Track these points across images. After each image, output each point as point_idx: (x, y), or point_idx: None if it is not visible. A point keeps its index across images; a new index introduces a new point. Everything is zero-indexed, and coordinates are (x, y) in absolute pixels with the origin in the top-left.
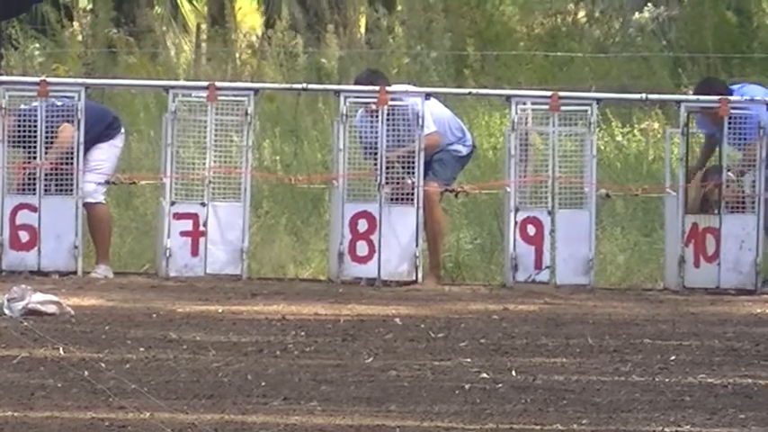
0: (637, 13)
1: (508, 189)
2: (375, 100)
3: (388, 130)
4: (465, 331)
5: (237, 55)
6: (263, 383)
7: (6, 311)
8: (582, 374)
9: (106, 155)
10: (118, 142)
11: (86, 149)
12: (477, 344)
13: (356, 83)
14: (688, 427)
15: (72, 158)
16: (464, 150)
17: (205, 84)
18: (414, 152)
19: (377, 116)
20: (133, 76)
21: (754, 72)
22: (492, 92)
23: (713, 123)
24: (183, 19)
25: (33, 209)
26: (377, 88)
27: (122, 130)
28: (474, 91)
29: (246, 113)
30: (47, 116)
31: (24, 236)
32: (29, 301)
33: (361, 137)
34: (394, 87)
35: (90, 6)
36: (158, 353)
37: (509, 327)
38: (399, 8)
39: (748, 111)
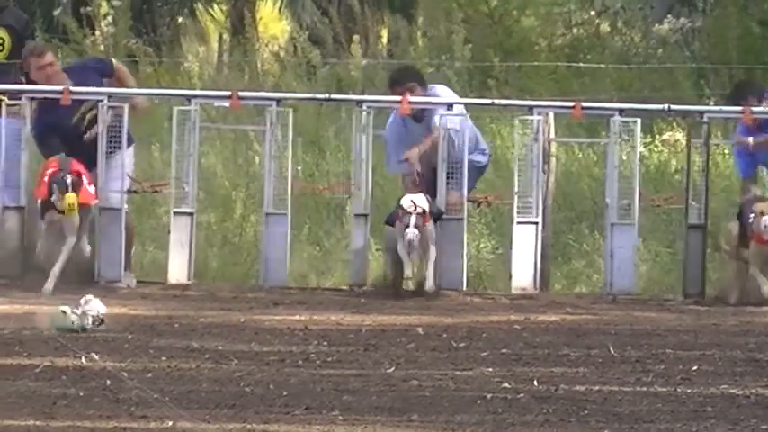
0: (657, 25)
1: (530, 200)
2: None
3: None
4: (486, 341)
5: (259, 65)
6: (284, 393)
7: (75, 323)
8: (603, 385)
9: (130, 159)
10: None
11: (110, 152)
12: (498, 354)
13: (391, 79)
14: None
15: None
16: (483, 160)
17: (228, 93)
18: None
19: (410, 119)
20: (154, 85)
21: None
22: (514, 102)
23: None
24: (203, 29)
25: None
26: (399, 98)
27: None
28: (497, 101)
29: (271, 123)
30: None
31: None
32: (97, 310)
33: (390, 144)
34: (419, 97)
35: (111, 16)
36: (180, 362)
37: (530, 336)
38: (420, 19)
39: None
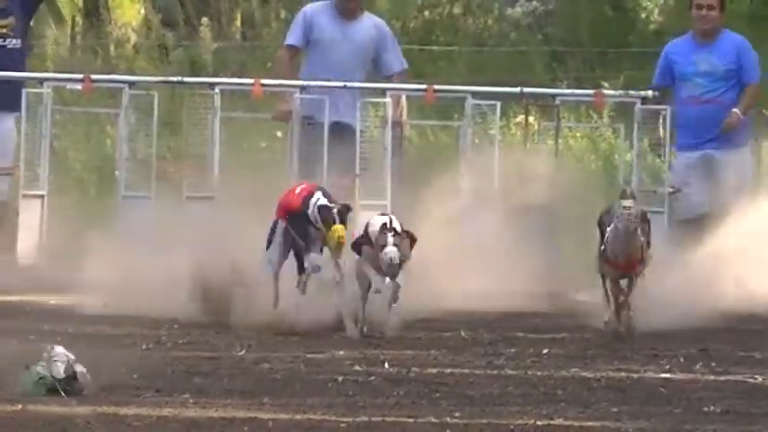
0: (510, 8)
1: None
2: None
3: None
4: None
5: (112, 48)
6: (135, 376)
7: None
8: (455, 367)
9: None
10: None
11: None
12: (349, 336)
13: None
14: (560, 420)
15: None
16: None
17: (80, 76)
18: None
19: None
20: None
21: (630, 66)
22: (366, 85)
23: None
24: (59, 11)
25: None
26: (251, 81)
27: None
28: (349, 84)
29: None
30: None
31: None
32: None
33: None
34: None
35: None
36: (30, 345)
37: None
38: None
39: None
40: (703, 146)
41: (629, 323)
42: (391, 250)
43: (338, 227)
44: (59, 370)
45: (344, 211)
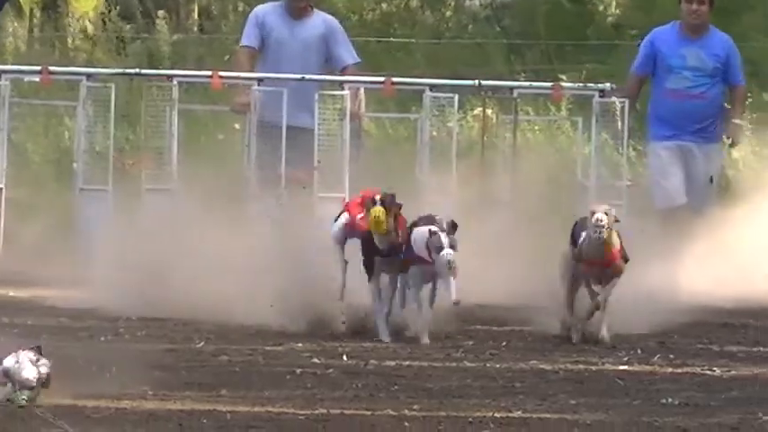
0: (467, 1)
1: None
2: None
3: None
4: None
5: (70, 40)
6: (94, 368)
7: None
8: (414, 360)
9: None
10: None
11: None
12: (308, 329)
13: None
14: (519, 412)
15: None
16: None
17: (38, 68)
18: None
19: None
20: None
21: (588, 60)
22: (325, 77)
23: None
24: (17, 3)
25: None
26: (209, 73)
27: None
28: (308, 76)
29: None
30: None
31: None
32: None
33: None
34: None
35: None
36: None
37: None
38: None
39: None
40: (681, 138)
41: (601, 322)
42: (449, 252)
43: (377, 209)
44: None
45: (390, 198)
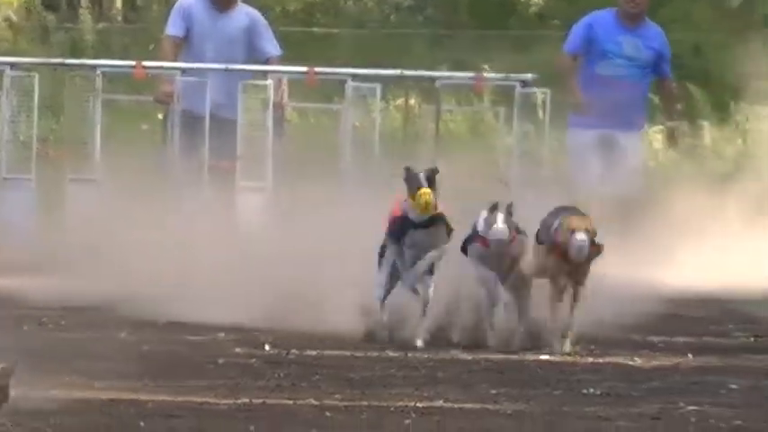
0: None
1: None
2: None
3: None
4: None
5: None
6: (16, 358)
7: None
8: (336, 349)
9: None
10: None
11: None
12: (230, 319)
13: None
14: (441, 402)
15: None
16: None
17: None
18: None
19: None
20: None
21: (510, 49)
22: (248, 67)
23: None
24: None
25: None
26: (133, 63)
27: None
28: (231, 66)
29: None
30: None
31: None
32: None
33: None
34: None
35: None
36: None
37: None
38: None
39: None
40: (603, 126)
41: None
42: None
43: (425, 191)
44: None
45: (432, 173)
